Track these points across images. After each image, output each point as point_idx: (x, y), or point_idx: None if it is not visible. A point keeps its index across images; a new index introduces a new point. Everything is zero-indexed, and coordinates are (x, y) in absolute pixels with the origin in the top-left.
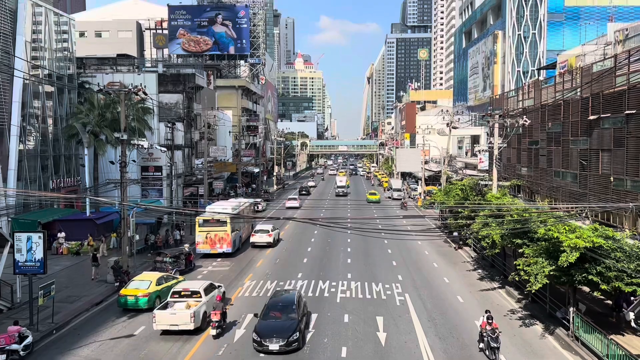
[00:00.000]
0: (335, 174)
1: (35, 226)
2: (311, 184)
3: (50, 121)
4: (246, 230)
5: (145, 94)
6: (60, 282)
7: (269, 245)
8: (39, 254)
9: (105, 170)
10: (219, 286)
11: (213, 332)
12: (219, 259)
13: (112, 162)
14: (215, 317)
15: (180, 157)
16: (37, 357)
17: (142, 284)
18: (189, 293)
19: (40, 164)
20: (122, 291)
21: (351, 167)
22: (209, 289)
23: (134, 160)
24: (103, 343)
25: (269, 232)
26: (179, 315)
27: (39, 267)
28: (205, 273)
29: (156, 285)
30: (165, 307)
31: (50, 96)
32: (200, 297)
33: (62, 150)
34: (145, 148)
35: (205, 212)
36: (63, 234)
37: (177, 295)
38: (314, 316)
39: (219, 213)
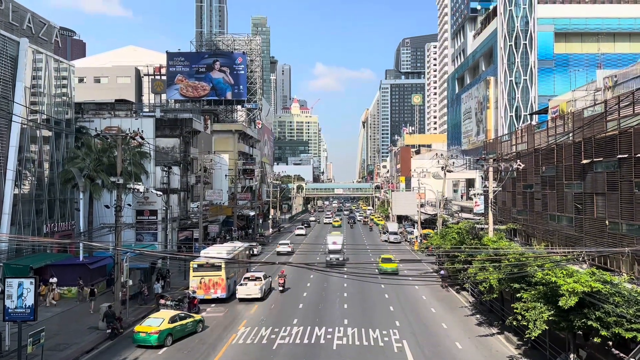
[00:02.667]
0: (330, 222)
1: (27, 271)
2: (312, 219)
3: (46, 165)
4: (241, 274)
5: (142, 138)
6: (51, 329)
7: (288, 254)
8: (29, 300)
9: (100, 215)
10: (269, 276)
11: (280, 288)
12: (213, 305)
13: (107, 207)
14: (281, 281)
15: (175, 200)
16: None
17: (155, 321)
18: (255, 278)
19: (34, 208)
20: (136, 328)
21: (346, 212)
22: (265, 276)
23: (129, 204)
24: None
25: (288, 244)
26: (252, 289)
27: (29, 314)
28: (204, 316)
29: (169, 323)
30: (242, 285)
31: (48, 140)
32: (262, 280)
33: (58, 195)
34: (141, 192)
35: (199, 256)
36: (55, 279)
37: (247, 280)
38: None
39: (214, 258)
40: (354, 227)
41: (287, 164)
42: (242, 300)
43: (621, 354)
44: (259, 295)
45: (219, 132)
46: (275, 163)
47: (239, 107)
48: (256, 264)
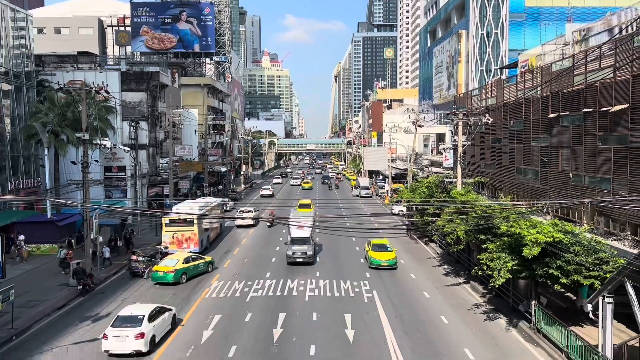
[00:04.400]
0: (298, 184)
1: None
2: (289, 170)
3: (7, 121)
4: (215, 229)
5: (107, 92)
6: (20, 287)
7: (270, 196)
8: None
9: (66, 171)
10: (258, 209)
11: (268, 223)
12: None
13: (73, 163)
14: (270, 219)
15: (144, 156)
16: None
17: (171, 262)
18: (248, 211)
19: None
20: (155, 267)
21: (318, 169)
22: (255, 210)
23: (96, 161)
24: (66, 348)
25: (270, 188)
26: (247, 218)
27: None
28: None
29: (183, 263)
30: (239, 214)
31: (7, 95)
32: (252, 212)
33: (21, 151)
34: (108, 148)
35: (170, 212)
36: (22, 237)
37: (242, 212)
38: (282, 315)
39: (185, 214)
40: (331, 190)
41: (258, 119)
42: (239, 226)
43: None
44: (252, 222)
45: (187, 86)
46: (246, 118)
47: (208, 60)
48: (229, 219)
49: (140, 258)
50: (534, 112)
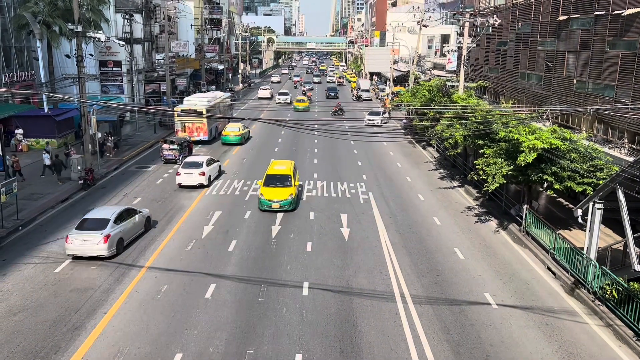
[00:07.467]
0: (288, 101)
1: None
2: (294, 64)
3: None
4: (222, 122)
5: None
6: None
7: (278, 82)
8: None
9: (61, 65)
10: (272, 88)
11: (332, 113)
12: (198, 146)
13: (67, 56)
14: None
15: (139, 51)
16: (4, 253)
17: (234, 129)
18: (265, 89)
19: None
20: (224, 132)
21: (317, 78)
22: (271, 88)
23: (91, 55)
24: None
25: (278, 76)
26: (265, 93)
27: None
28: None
29: (241, 130)
30: (261, 90)
31: None
32: (269, 89)
33: (13, 42)
34: (102, 41)
35: (166, 110)
36: (21, 131)
37: (262, 89)
38: (280, 213)
39: (186, 114)
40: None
41: (256, 14)
42: (260, 98)
43: (570, 205)
44: (269, 95)
45: None
46: (243, 13)
47: None
48: (228, 118)
49: (173, 147)
50: (544, 13)
